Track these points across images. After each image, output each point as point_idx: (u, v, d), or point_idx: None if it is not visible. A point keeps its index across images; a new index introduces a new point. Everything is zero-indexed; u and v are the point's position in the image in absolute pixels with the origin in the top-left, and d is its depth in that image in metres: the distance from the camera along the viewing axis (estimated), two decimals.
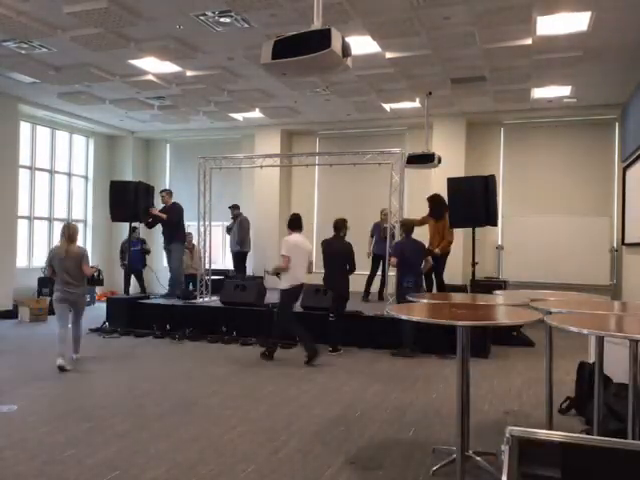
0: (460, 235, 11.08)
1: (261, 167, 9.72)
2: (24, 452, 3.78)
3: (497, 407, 4.99)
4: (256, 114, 11.77)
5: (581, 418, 4.63)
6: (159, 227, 10.08)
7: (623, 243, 10.11)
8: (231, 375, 6.09)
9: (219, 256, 13.73)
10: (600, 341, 3.54)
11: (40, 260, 12.19)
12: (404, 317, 3.30)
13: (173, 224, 9.77)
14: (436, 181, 11.25)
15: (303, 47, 4.03)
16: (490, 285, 9.26)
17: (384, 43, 7.58)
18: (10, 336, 8.50)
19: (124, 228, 11.40)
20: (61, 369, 6.00)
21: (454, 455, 3.40)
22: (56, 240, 11.30)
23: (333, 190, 13.03)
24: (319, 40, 3.99)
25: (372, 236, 10.27)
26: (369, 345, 7.63)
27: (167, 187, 14.63)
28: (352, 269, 7.45)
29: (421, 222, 8.99)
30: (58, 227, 12.80)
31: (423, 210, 11.94)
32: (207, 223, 9.79)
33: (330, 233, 7.60)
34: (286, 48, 4.11)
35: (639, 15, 6.62)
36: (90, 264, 6.67)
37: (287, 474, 3.47)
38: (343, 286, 7.45)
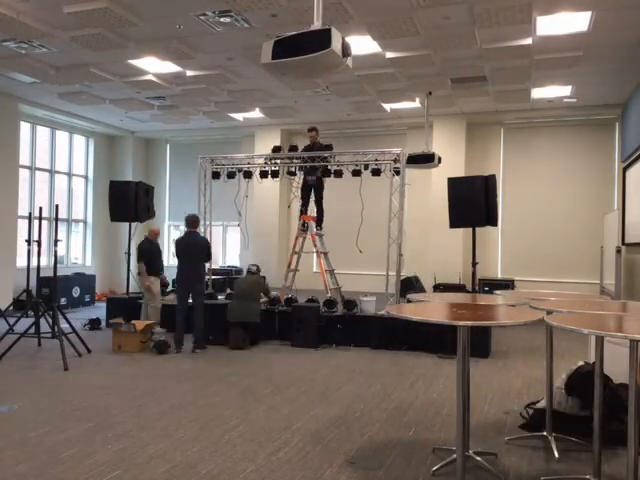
0: (460, 235, 11.10)
1: (263, 166, 9.70)
2: (24, 452, 3.78)
3: (497, 407, 4.99)
4: (256, 114, 11.77)
5: None
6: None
7: (623, 243, 10.10)
8: (231, 375, 6.09)
9: (219, 256, 13.79)
10: (600, 341, 3.54)
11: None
12: (404, 317, 3.30)
13: None
14: (436, 181, 11.26)
15: (303, 47, 4.03)
16: (499, 285, 9.31)
17: (384, 43, 7.58)
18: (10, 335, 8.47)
19: (124, 228, 11.39)
20: None
21: (454, 455, 3.39)
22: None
23: (333, 190, 12.99)
24: (319, 40, 3.99)
25: None
26: (368, 345, 7.63)
27: (167, 187, 14.71)
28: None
29: None
30: (58, 227, 12.80)
31: (423, 210, 12.00)
32: (207, 223, 9.79)
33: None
34: (286, 48, 4.11)
35: (639, 15, 6.63)
36: None
37: (287, 474, 3.47)
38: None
